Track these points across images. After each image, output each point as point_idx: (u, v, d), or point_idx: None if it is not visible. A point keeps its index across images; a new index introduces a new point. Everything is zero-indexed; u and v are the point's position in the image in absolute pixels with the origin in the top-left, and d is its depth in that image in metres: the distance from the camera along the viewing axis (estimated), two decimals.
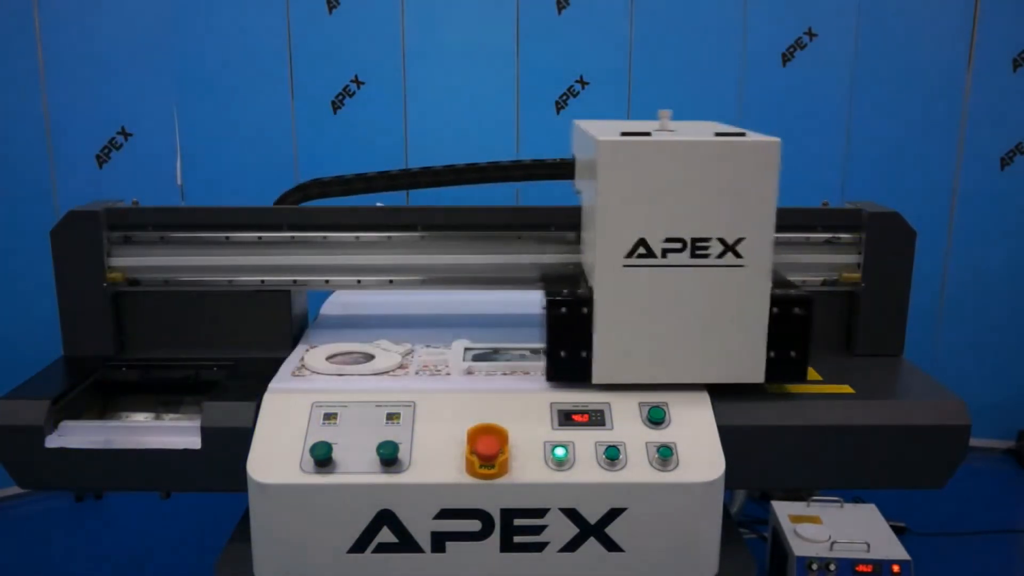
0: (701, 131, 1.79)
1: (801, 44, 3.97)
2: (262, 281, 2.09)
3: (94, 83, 3.66)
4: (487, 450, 1.67)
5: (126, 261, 2.06)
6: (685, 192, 1.70)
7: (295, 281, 2.10)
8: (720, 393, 1.83)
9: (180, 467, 1.79)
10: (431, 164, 2.23)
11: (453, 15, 3.96)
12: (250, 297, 2.10)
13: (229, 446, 1.73)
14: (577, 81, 4.02)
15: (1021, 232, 4.08)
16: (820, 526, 2.87)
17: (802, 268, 2.11)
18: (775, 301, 1.77)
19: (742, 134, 1.74)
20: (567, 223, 2.09)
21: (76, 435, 1.81)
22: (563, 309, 1.78)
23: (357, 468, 1.70)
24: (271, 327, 2.11)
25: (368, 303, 2.46)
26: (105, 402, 2.00)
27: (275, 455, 1.72)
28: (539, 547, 1.72)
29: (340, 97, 3.97)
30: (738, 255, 1.73)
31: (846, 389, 1.89)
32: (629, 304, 1.76)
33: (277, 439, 1.74)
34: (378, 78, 3.97)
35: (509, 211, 2.14)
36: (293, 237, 2.07)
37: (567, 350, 1.80)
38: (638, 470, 1.71)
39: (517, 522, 1.70)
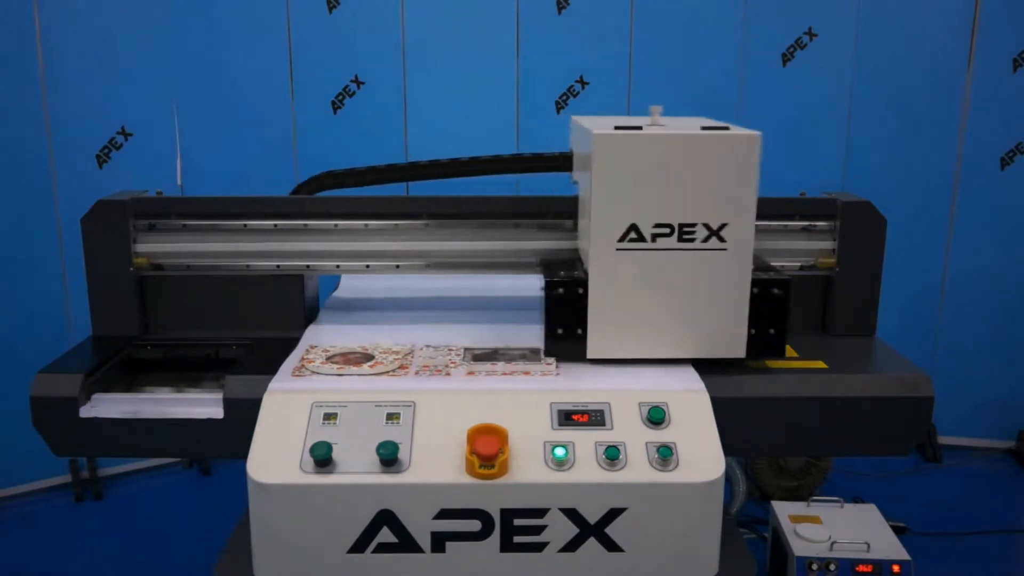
0: (689, 126, 1.91)
1: (801, 44, 3.97)
2: (277, 266, 2.20)
3: (94, 83, 3.66)
4: (487, 450, 1.67)
5: (151, 247, 2.17)
6: (673, 181, 1.83)
7: (308, 266, 2.21)
8: (705, 368, 1.92)
9: (203, 435, 1.89)
10: (429, 159, 2.31)
11: (453, 15, 3.96)
12: (266, 281, 2.21)
13: (249, 416, 1.79)
14: (577, 81, 4.02)
15: (1021, 232, 4.08)
16: (820, 526, 2.87)
17: (781, 253, 2.22)
18: (756, 283, 1.90)
19: (726, 128, 1.86)
20: (563, 212, 2.21)
21: (107, 406, 1.91)
22: (560, 290, 1.91)
23: (357, 468, 1.70)
24: (286, 309, 2.22)
25: (376, 287, 2.57)
26: (131, 378, 2.11)
27: (275, 455, 1.72)
28: (539, 547, 1.72)
29: (340, 97, 3.97)
30: (722, 239, 1.86)
31: (820, 364, 2.00)
32: (621, 285, 1.88)
33: (277, 439, 1.75)
34: (378, 78, 3.97)
35: (509, 200, 2.24)
36: (306, 225, 2.18)
37: (564, 328, 1.93)
38: (638, 470, 1.71)
39: (517, 522, 1.70)
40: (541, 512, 1.70)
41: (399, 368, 1.94)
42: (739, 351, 1.93)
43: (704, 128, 1.86)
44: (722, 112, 3.99)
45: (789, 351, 2.07)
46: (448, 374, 1.92)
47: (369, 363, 1.96)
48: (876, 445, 1.95)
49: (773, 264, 2.06)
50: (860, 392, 1.91)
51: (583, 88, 4.03)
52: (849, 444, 1.95)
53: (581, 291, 1.90)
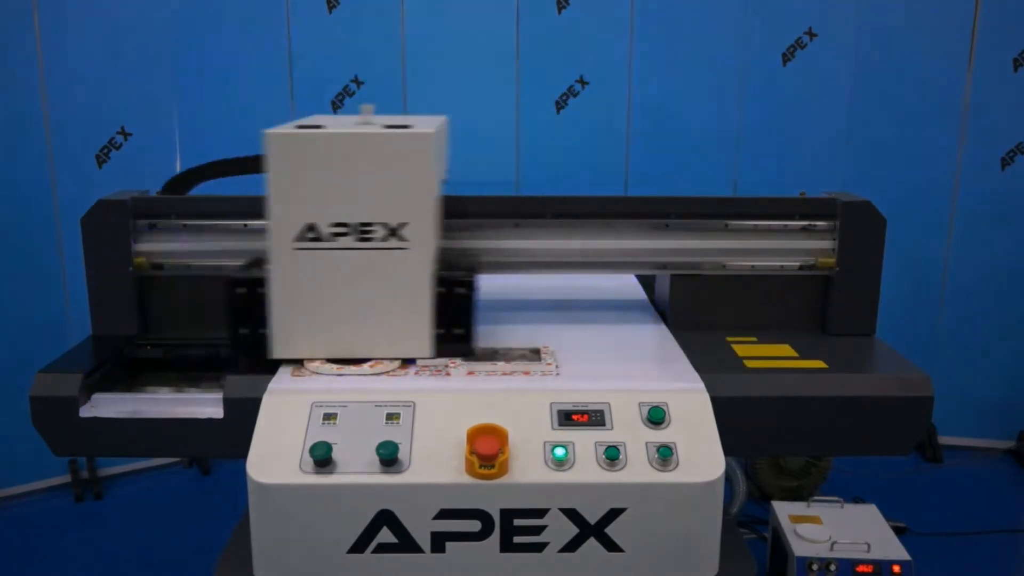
0: (371, 124, 1.91)
1: (801, 44, 3.97)
2: None
3: (94, 83, 3.66)
4: (487, 450, 1.67)
5: (151, 247, 2.17)
6: (349, 180, 1.84)
7: None
8: (705, 368, 1.92)
9: (203, 435, 1.88)
10: None
11: (453, 15, 3.97)
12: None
13: (248, 416, 1.79)
14: (577, 81, 4.03)
15: (1021, 232, 4.08)
16: (820, 526, 2.87)
17: (780, 253, 2.21)
18: (441, 281, 1.91)
19: (406, 126, 1.86)
20: (563, 212, 2.20)
21: (107, 406, 1.90)
22: (242, 289, 1.91)
23: (357, 468, 1.70)
24: None
25: None
26: (131, 378, 2.10)
27: (275, 455, 1.72)
28: (539, 547, 1.72)
29: (340, 97, 3.97)
30: (402, 239, 1.86)
31: (820, 364, 1.99)
32: (302, 285, 1.88)
33: (276, 439, 1.74)
34: (378, 78, 3.98)
35: (507, 200, 2.23)
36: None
37: (247, 328, 1.92)
38: (638, 470, 1.71)
39: (517, 522, 1.70)
40: (541, 512, 1.70)
41: (399, 368, 1.94)
42: (425, 351, 1.94)
43: (386, 127, 1.86)
44: (722, 112, 4.01)
45: (788, 351, 2.08)
46: (448, 374, 1.91)
47: (369, 363, 1.96)
48: (876, 445, 1.95)
49: (466, 263, 2.07)
50: (860, 392, 1.91)
51: (583, 88, 4.03)
52: (849, 444, 1.95)
53: (261, 290, 1.89)
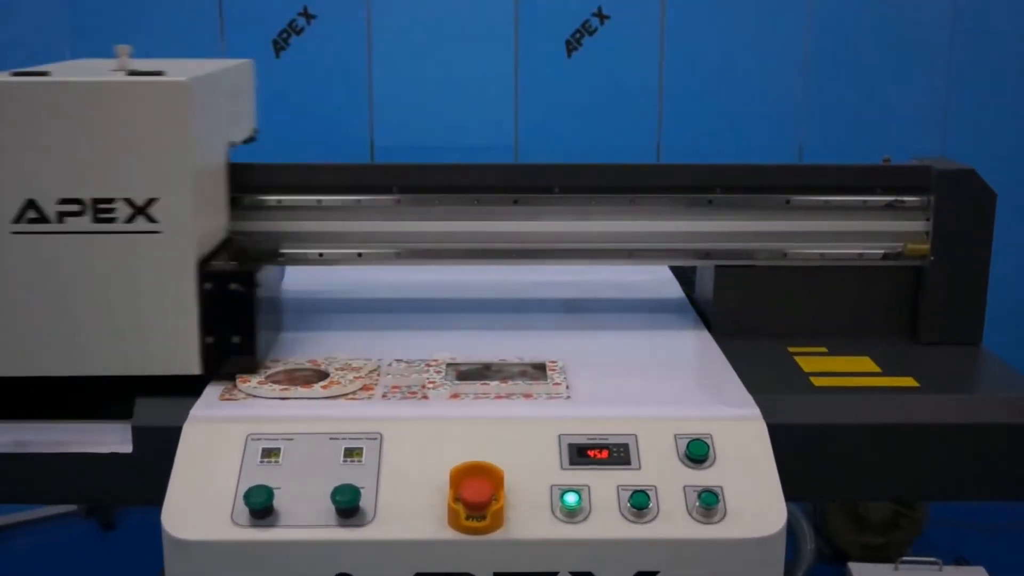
0: (113, 70, 1.90)
1: None
2: None
3: None
4: (476, 496, 1.67)
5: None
6: (82, 143, 1.81)
7: None
8: (760, 389, 1.92)
9: (107, 475, 1.87)
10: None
11: None
12: None
13: (165, 451, 1.78)
14: (594, 14, 4.03)
15: None
16: None
17: (858, 238, 2.21)
18: (208, 276, 1.89)
19: (159, 73, 1.84)
20: (573, 185, 2.20)
21: None
22: None
23: (306, 520, 1.70)
24: None
25: (332, 282, 2.56)
26: (11, 401, 2.06)
27: (198, 503, 1.72)
28: None
29: (284, 35, 3.97)
30: (152, 219, 1.84)
31: (909, 382, 2.00)
32: (23, 280, 1.86)
33: (201, 482, 1.74)
34: (333, 10, 3.98)
35: (501, 169, 2.24)
36: (239, 200, 2.16)
37: None
38: (673, 523, 1.71)
39: None
40: None
41: (361, 389, 1.94)
42: (191, 365, 1.92)
43: (130, 72, 1.84)
44: (784, 57, 4.00)
45: (870, 365, 2.08)
46: (425, 397, 1.92)
47: (322, 383, 1.96)
48: (983, 488, 1.95)
49: (261, 247, 2.06)
50: (962, 418, 1.91)
51: (602, 24, 4.03)
52: (949, 487, 1.96)
53: None
